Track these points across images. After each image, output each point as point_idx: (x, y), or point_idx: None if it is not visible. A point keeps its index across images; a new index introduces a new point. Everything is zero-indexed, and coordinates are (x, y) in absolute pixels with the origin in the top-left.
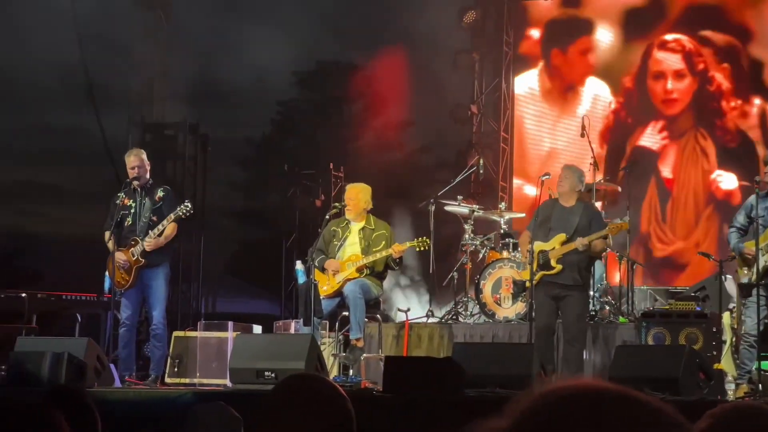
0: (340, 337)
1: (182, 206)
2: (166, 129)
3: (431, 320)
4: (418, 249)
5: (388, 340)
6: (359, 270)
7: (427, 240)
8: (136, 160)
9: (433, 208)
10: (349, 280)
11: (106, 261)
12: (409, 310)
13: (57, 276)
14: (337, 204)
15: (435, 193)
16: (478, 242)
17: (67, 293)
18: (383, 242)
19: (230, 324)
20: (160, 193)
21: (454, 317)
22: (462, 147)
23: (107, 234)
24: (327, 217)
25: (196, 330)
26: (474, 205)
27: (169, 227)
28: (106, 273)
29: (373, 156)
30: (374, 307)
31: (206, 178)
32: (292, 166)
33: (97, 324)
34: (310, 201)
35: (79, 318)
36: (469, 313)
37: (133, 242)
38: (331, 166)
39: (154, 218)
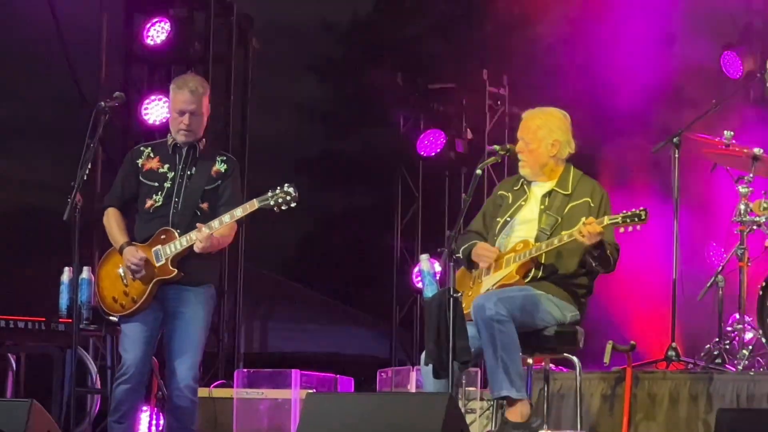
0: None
1: (280, 191)
2: (171, 7)
3: (674, 366)
4: (623, 229)
5: (593, 402)
6: (524, 271)
7: (644, 213)
8: (191, 98)
9: (677, 153)
10: (504, 286)
11: (93, 261)
12: (633, 347)
13: None
14: (498, 147)
15: (681, 124)
16: (763, 219)
17: None
18: (583, 219)
19: (294, 374)
20: (219, 165)
21: (716, 361)
22: (731, 39)
23: (111, 212)
24: (478, 171)
25: (231, 386)
26: (757, 149)
27: (231, 223)
28: (83, 277)
29: (562, 57)
30: (563, 340)
31: (249, 98)
32: (410, 76)
33: (48, 373)
34: (447, 141)
35: (14, 364)
36: (744, 352)
37: (163, 236)
38: (485, 76)
39: (203, 205)
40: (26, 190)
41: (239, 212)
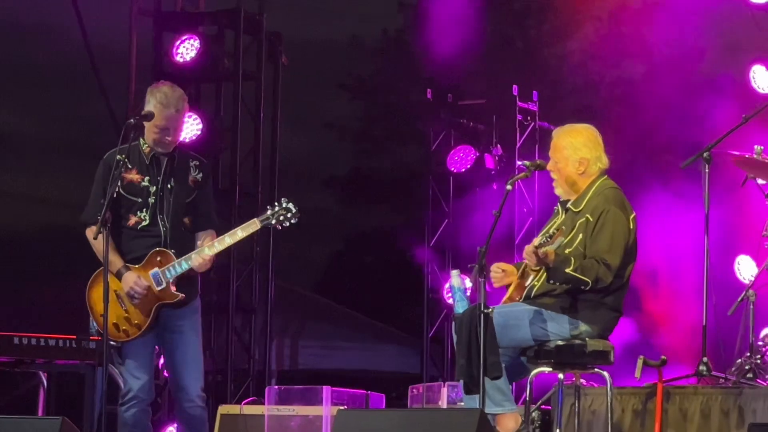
0: (534, 414)
1: (279, 209)
2: (200, 24)
3: (705, 381)
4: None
5: (624, 418)
6: (522, 290)
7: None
8: (176, 116)
9: (707, 168)
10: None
11: (88, 284)
12: (664, 362)
13: None
14: (528, 163)
15: (710, 139)
16: None
17: (21, 333)
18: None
19: (325, 391)
20: (195, 173)
21: (748, 375)
22: (760, 53)
23: (94, 231)
24: (508, 187)
25: (262, 402)
26: None
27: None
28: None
29: (591, 73)
30: (590, 355)
31: (279, 116)
32: (440, 92)
33: (79, 391)
34: (477, 157)
35: (45, 381)
36: None
37: (159, 258)
38: (515, 91)
39: (186, 219)
40: (56, 208)
41: (240, 233)
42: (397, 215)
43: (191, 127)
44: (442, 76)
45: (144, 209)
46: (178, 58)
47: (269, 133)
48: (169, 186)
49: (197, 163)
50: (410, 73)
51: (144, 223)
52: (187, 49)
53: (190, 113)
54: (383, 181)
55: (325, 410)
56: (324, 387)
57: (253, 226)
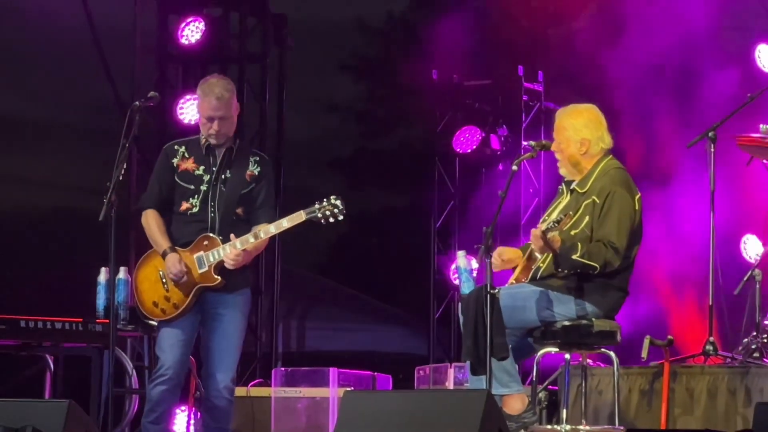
0: (541, 395)
1: (327, 204)
2: (205, 6)
3: (712, 360)
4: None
5: (631, 398)
6: (528, 272)
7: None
8: (218, 104)
9: (712, 147)
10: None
11: (134, 266)
12: (671, 342)
13: None
14: (533, 143)
15: (716, 118)
16: None
17: (27, 317)
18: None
19: (332, 372)
20: (253, 167)
21: (754, 355)
22: (765, 33)
23: (150, 213)
24: (514, 167)
25: (269, 384)
26: None
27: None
28: (124, 279)
29: (597, 52)
30: (597, 335)
31: (283, 99)
32: (446, 72)
33: (86, 374)
34: (483, 138)
35: (52, 364)
36: None
37: (206, 242)
38: (521, 72)
39: (239, 210)
40: (63, 192)
41: (285, 223)
42: (403, 197)
43: (196, 110)
44: (447, 57)
45: (195, 196)
46: (183, 41)
47: (275, 116)
48: (223, 176)
49: (258, 159)
50: (415, 54)
51: (194, 210)
52: (192, 32)
53: (195, 96)
54: (388, 162)
55: (332, 392)
56: (330, 369)
57: (298, 217)
